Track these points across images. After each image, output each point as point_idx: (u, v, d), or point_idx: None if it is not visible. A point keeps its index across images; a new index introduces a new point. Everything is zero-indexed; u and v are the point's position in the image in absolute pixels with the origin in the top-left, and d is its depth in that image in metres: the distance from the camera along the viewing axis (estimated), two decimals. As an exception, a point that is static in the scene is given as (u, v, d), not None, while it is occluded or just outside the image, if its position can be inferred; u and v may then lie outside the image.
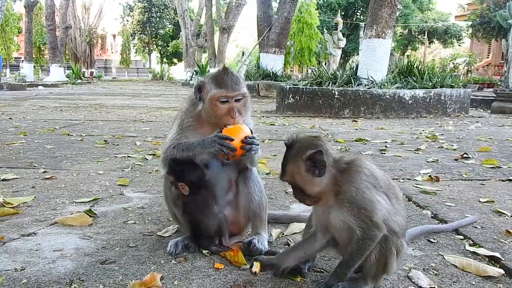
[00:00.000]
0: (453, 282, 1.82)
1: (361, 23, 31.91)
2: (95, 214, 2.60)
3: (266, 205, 2.17)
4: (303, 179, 1.60)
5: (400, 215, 1.69)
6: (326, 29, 29.57)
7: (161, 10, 56.88)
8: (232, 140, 1.94)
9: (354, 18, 42.89)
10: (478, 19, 28.95)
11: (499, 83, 18.00)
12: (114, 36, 64.01)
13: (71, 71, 33.22)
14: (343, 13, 34.38)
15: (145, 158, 4.49)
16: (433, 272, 1.90)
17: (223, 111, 1.99)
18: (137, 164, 4.19)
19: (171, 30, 58.61)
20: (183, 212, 2.08)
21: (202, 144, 1.99)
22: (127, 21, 60.05)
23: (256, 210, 2.12)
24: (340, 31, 24.49)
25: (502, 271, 1.89)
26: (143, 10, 56.50)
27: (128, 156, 4.59)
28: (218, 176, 2.10)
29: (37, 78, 32.33)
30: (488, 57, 34.59)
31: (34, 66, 34.25)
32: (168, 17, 57.66)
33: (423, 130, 7.04)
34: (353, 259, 1.63)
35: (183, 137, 2.07)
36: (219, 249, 2.05)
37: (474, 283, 1.81)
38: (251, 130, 2.04)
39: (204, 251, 2.06)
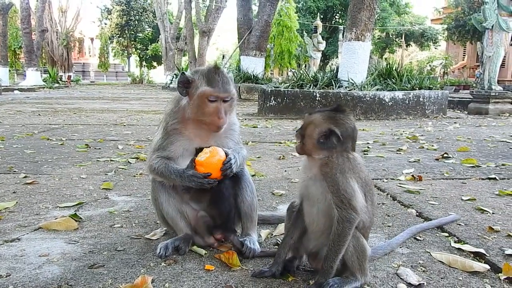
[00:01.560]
0: (441, 278, 1.85)
1: (340, 26, 32.28)
2: (80, 218, 2.55)
3: (257, 206, 2.18)
4: (310, 137, 1.70)
5: (369, 217, 1.76)
6: (306, 32, 29.80)
7: (139, 13, 56.36)
8: (209, 175, 1.95)
9: (333, 22, 43.34)
10: (453, 23, 29.59)
11: (474, 85, 18.43)
12: (92, 39, 63.08)
13: (48, 75, 32.57)
14: (322, 16, 34.69)
15: (129, 162, 4.44)
16: (421, 269, 1.93)
17: (211, 110, 1.99)
18: (120, 168, 4.14)
19: (150, 33, 58.12)
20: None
21: (181, 177, 1.98)
22: (105, 24, 59.31)
23: (248, 210, 2.12)
24: (320, 34, 24.70)
25: (487, 267, 1.93)
26: (121, 13, 55.88)
27: (111, 160, 4.53)
28: None
29: (12, 83, 31.64)
30: (463, 60, 35.36)
31: (10, 70, 33.46)
32: (147, 20, 57.15)
33: (403, 131, 7.15)
34: (335, 247, 1.66)
35: (168, 143, 2.07)
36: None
37: (461, 278, 1.85)
38: (225, 152, 2.02)
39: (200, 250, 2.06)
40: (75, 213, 2.60)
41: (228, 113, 2.05)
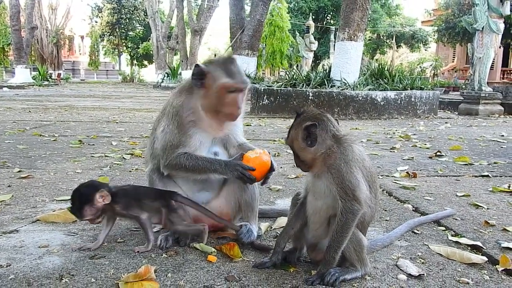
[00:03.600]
0: (440, 269, 1.87)
1: (331, 26, 32.42)
2: (78, 211, 2.53)
3: (258, 197, 2.18)
4: (299, 146, 1.73)
5: (371, 212, 1.79)
6: (298, 32, 29.87)
7: (131, 11, 56.07)
8: (253, 170, 1.97)
9: (324, 22, 43.50)
10: (443, 24, 29.83)
11: (463, 86, 18.62)
12: (82, 37, 62.56)
13: (38, 72, 32.23)
14: (313, 17, 34.74)
15: (123, 158, 4.42)
16: (420, 261, 1.96)
17: (230, 101, 2.00)
18: (115, 163, 4.11)
19: (141, 32, 57.86)
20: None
21: (226, 165, 1.99)
22: (96, 22, 58.94)
23: (249, 199, 2.13)
24: (312, 34, 24.78)
25: (485, 258, 1.96)
26: (112, 11, 55.57)
27: (106, 156, 4.50)
28: None
29: (1, 80, 31.30)
30: (453, 61, 35.70)
31: (-2, 68, 33.12)
32: (138, 18, 56.89)
33: (396, 130, 7.21)
34: (338, 238, 1.68)
35: (187, 137, 2.04)
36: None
37: (460, 269, 1.87)
38: (271, 162, 2.04)
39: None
40: (73, 206, 2.58)
41: (243, 103, 2.06)
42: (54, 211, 2.51)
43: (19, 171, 3.64)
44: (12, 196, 2.87)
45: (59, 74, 39.38)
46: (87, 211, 1.92)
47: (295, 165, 1.80)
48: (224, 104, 2.00)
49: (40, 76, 31.10)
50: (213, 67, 2.02)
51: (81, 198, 1.92)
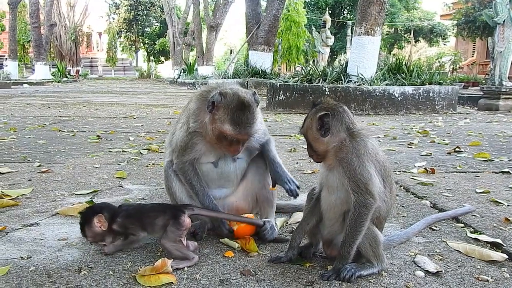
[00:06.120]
0: (459, 266, 1.85)
1: (348, 21, 32.09)
2: (96, 205, 2.57)
3: (276, 193, 2.19)
4: (313, 136, 1.73)
5: (386, 207, 1.77)
6: (314, 27, 29.67)
7: (147, 8, 56.48)
8: (232, 233, 2.04)
9: (341, 17, 43.09)
10: (463, 18, 29.24)
11: (483, 81, 18.26)
12: (100, 34, 63.31)
13: (57, 69, 32.77)
14: (330, 11, 34.51)
15: (140, 153, 4.46)
16: (438, 257, 1.93)
17: (228, 143, 1.96)
18: (133, 158, 4.16)
19: (158, 28, 58.23)
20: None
21: (211, 208, 2.03)
22: (113, 19, 59.51)
23: (269, 195, 2.14)
24: (328, 29, 24.59)
25: (505, 256, 1.92)
26: (129, 8, 56.04)
27: (123, 151, 4.55)
28: (227, 172, 2.13)
29: (21, 76, 31.87)
30: (473, 56, 35.02)
31: (18, 64, 33.66)
32: (154, 15, 57.27)
33: (414, 126, 7.12)
34: (352, 233, 1.68)
35: (193, 144, 2.05)
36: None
37: (479, 267, 1.84)
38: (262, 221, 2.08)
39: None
40: (91, 200, 2.63)
41: (246, 143, 2.03)
42: (73, 204, 2.56)
43: (39, 166, 3.71)
44: (33, 190, 2.93)
45: (77, 71, 39.99)
46: (86, 233, 1.89)
47: (308, 155, 1.79)
48: (222, 143, 1.97)
49: (59, 73, 31.62)
50: (224, 105, 1.90)
51: (82, 219, 1.90)
